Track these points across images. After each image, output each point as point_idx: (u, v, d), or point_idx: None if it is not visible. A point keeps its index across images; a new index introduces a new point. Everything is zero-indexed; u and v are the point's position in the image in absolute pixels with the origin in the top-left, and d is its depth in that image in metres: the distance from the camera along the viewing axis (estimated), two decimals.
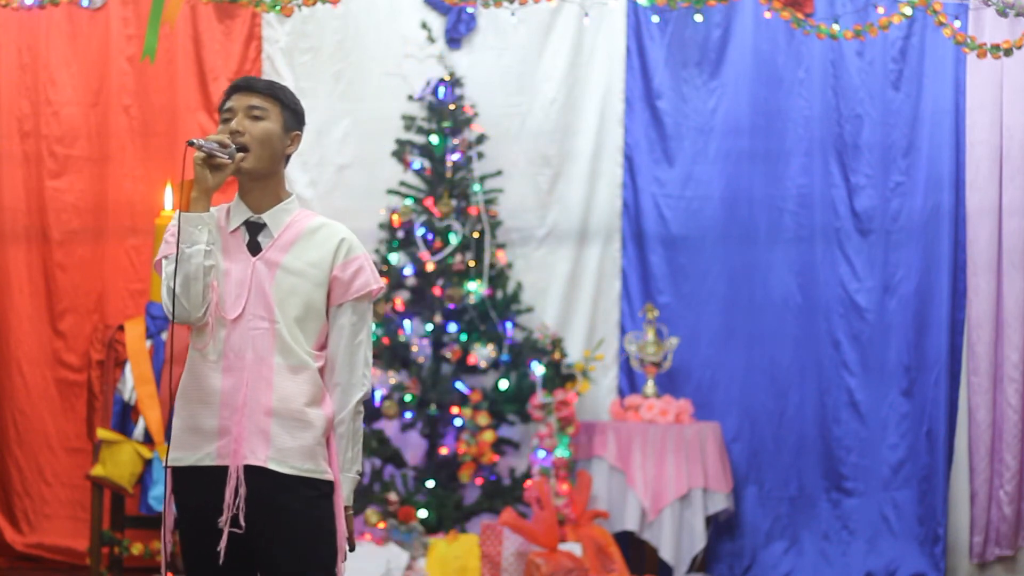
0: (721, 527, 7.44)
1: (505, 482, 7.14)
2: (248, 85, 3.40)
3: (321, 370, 3.34)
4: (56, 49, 7.44)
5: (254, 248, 3.35)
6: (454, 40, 7.61)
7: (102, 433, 6.37)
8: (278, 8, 6.06)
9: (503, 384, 7.14)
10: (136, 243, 7.43)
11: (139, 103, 7.49)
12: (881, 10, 6.59)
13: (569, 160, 7.65)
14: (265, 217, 3.36)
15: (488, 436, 7.04)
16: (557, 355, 7.13)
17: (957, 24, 6.20)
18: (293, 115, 3.41)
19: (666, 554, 7.05)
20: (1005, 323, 7.12)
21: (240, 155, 3.31)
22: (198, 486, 3.30)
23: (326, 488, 3.31)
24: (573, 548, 6.70)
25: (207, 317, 3.31)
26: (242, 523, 3.23)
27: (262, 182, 3.38)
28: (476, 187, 7.28)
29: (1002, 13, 5.97)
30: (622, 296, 7.66)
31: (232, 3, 6.28)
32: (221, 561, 3.25)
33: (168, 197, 6.77)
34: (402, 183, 7.33)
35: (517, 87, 7.64)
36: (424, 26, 7.52)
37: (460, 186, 7.27)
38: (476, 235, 7.22)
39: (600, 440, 7.19)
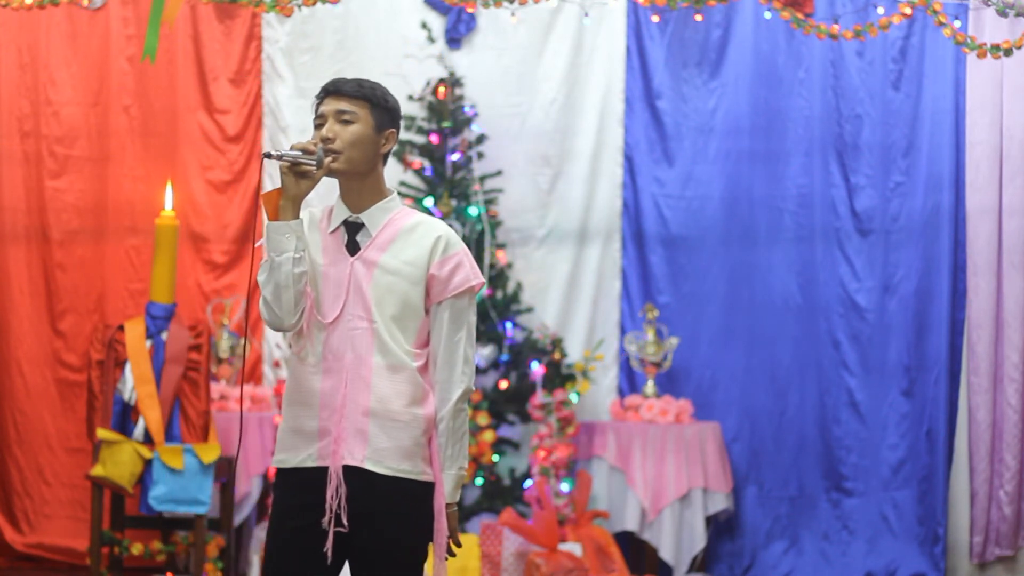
0: (721, 527, 7.44)
1: (505, 482, 7.14)
2: (336, 89, 3.40)
3: (423, 368, 3.36)
4: (56, 49, 7.43)
5: (352, 248, 3.36)
6: (454, 40, 7.62)
7: (102, 433, 6.37)
8: (278, 8, 6.06)
9: (503, 384, 7.14)
10: (136, 243, 7.43)
11: (139, 103, 7.49)
12: (881, 10, 6.59)
13: (569, 160, 7.65)
14: (363, 217, 3.37)
15: (488, 436, 7.04)
16: (557, 355, 7.13)
17: (957, 24, 6.20)
18: (385, 113, 3.40)
19: (666, 554, 7.05)
20: (1005, 323, 7.12)
21: (328, 159, 3.31)
22: (299, 487, 3.33)
23: (423, 489, 3.32)
24: (573, 548, 6.70)
25: (301, 323, 3.34)
26: (345, 522, 3.26)
27: (358, 183, 3.38)
28: (476, 187, 7.28)
29: (1002, 13, 5.97)
30: (622, 296, 7.66)
31: (232, 3, 6.28)
32: (329, 561, 3.27)
33: (168, 197, 6.77)
34: (402, 183, 7.33)
35: (517, 87, 7.64)
36: (424, 26, 7.52)
37: (460, 186, 7.27)
38: (476, 236, 7.22)
39: (600, 440, 7.19)
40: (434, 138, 7.30)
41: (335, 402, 3.31)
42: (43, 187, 7.44)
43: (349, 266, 3.34)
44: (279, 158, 3.28)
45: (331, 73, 7.49)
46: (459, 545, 3.40)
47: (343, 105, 3.37)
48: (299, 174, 3.30)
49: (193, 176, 7.53)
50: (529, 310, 7.37)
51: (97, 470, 6.31)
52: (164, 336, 6.53)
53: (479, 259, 7.21)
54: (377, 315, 3.31)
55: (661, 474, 7.08)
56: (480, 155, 7.38)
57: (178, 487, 6.30)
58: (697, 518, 7.11)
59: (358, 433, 3.29)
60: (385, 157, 3.43)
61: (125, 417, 6.46)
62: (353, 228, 3.38)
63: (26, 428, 7.38)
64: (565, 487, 6.92)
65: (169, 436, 6.40)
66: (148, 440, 6.36)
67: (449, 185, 7.26)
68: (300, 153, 3.28)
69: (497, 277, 7.27)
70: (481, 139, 7.39)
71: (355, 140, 3.34)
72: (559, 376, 7.11)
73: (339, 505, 3.27)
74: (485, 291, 7.17)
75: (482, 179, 7.34)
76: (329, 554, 3.27)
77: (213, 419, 6.60)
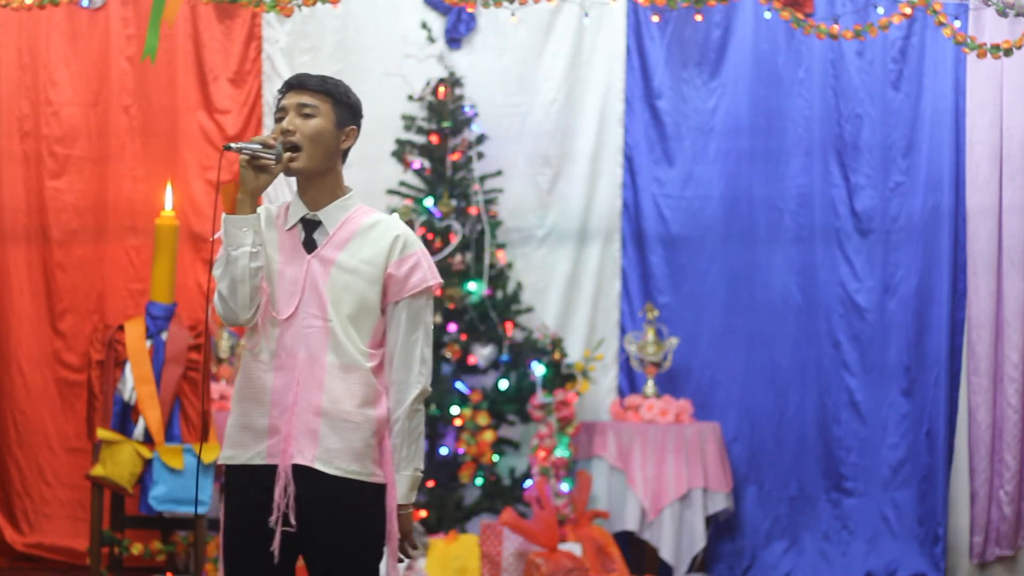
0: (721, 527, 7.44)
1: (505, 482, 7.14)
2: (300, 83, 3.39)
3: (377, 368, 3.33)
4: (56, 49, 7.43)
5: (310, 246, 3.34)
6: (454, 40, 7.62)
7: (102, 433, 6.37)
8: (278, 8, 6.06)
9: (503, 384, 7.14)
10: (136, 243, 7.43)
11: (139, 103, 7.49)
12: (881, 10, 6.59)
13: (569, 160, 7.65)
14: (320, 214, 3.35)
15: (488, 436, 7.04)
16: (557, 355, 7.13)
17: (957, 24, 6.20)
18: (347, 109, 3.40)
19: (666, 554, 7.05)
20: (1005, 323, 7.12)
21: (288, 155, 3.29)
22: (248, 484, 3.31)
23: (373, 491, 3.30)
24: (573, 548, 6.70)
25: (256, 318, 3.31)
26: (293, 521, 3.24)
27: (317, 179, 3.35)
28: (476, 187, 7.28)
29: (1002, 13, 5.97)
30: (622, 296, 7.66)
31: (232, 3, 6.28)
32: (276, 560, 3.25)
33: (168, 197, 6.77)
34: (402, 183, 7.33)
35: (517, 87, 7.64)
36: (424, 26, 7.52)
37: (460, 186, 7.27)
38: (476, 236, 7.22)
39: (600, 440, 7.19)
40: (434, 138, 7.30)
41: (286, 400, 3.27)
42: (43, 187, 7.44)
43: (306, 263, 3.31)
44: (239, 151, 3.25)
45: (331, 73, 7.47)
46: (415, 547, 3.37)
47: (305, 99, 3.36)
48: (258, 168, 3.27)
49: (193, 176, 7.53)
50: (529, 310, 7.37)
51: (97, 470, 6.31)
52: (164, 336, 6.53)
53: (479, 259, 7.21)
54: (332, 314, 3.28)
55: (661, 474, 7.08)
56: (480, 155, 7.38)
57: (178, 487, 6.30)
58: (697, 518, 7.11)
59: (309, 432, 3.26)
60: (344, 154, 3.41)
61: (125, 417, 6.46)
62: (310, 226, 3.35)
63: (26, 428, 7.38)
64: (565, 487, 6.92)
65: (169, 436, 6.40)
66: (148, 440, 6.36)
67: (449, 185, 7.26)
68: (260, 146, 3.26)
69: (497, 277, 7.27)
70: (481, 139, 7.39)
71: (315, 134, 3.32)
72: (559, 376, 7.11)
73: (287, 504, 3.24)
74: (485, 291, 7.17)
75: (482, 179, 7.34)
76: (276, 553, 3.24)
77: (213, 419, 6.60)
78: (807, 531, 7.42)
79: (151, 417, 6.34)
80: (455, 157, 7.28)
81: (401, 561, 3.36)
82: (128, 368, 6.46)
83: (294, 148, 3.31)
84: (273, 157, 3.26)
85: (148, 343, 6.51)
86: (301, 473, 3.25)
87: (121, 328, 6.57)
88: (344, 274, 3.30)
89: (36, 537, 7.34)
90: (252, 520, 3.28)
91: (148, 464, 6.33)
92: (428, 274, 3.34)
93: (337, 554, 3.27)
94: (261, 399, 3.30)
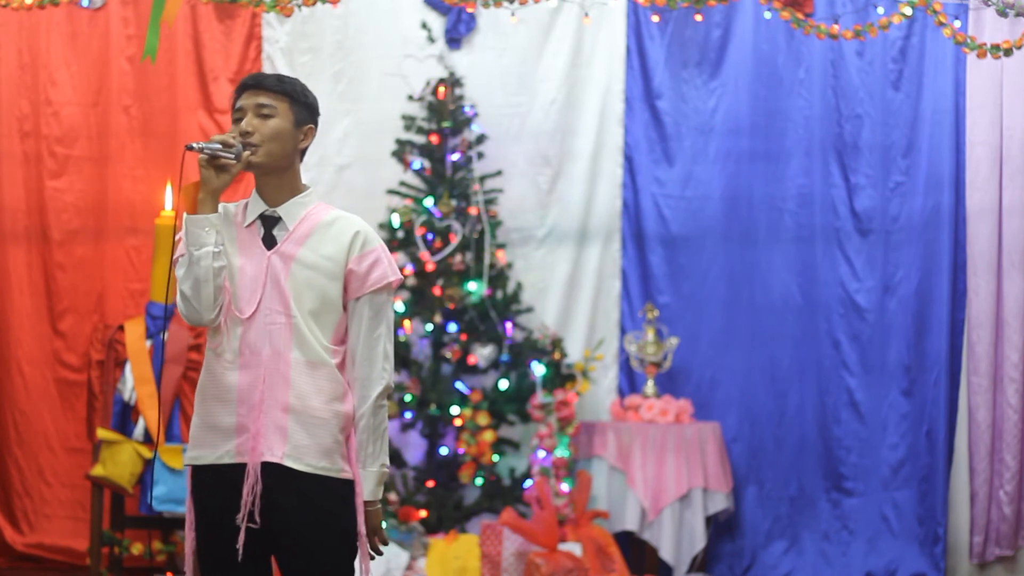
0: (721, 527, 7.44)
1: (505, 482, 7.14)
2: (257, 83, 3.38)
3: (341, 365, 3.33)
4: (56, 49, 7.43)
5: (269, 242, 3.34)
6: (454, 40, 7.61)
7: (102, 433, 6.37)
8: (278, 8, 6.06)
9: (503, 384, 7.14)
10: (136, 243, 7.43)
11: (139, 103, 7.49)
12: (881, 10, 6.59)
13: (569, 160, 7.65)
14: (280, 211, 3.36)
15: (488, 436, 7.04)
16: (557, 355, 7.13)
17: (957, 24, 6.20)
18: (305, 109, 3.39)
19: (666, 554, 7.05)
20: (1005, 323, 7.12)
21: (247, 153, 3.30)
22: (217, 484, 3.30)
23: (342, 487, 3.30)
24: (573, 548, 6.70)
25: (220, 318, 3.31)
26: (257, 519, 3.23)
27: (276, 177, 3.36)
28: (476, 187, 7.28)
29: (1002, 13, 5.97)
30: (622, 296, 7.66)
31: (232, 3, 6.28)
32: (240, 558, 3.24)
33: (168, 197, 6.77)
34: (402, 183, 7.33)
35: (517, 87, 7.64)
36: (424, 26, 7.52)
37: (460, 186, 7.27)
38: (476, 236, 7.22)
39: (600, 440, 7.19)
40: (434, 138, 7.30)
41: (253, 398, 3.27)
42: (43, 187, 7.43)
43: (266, 260, 3.32)
44: (200, 151, 3.26)
45: (331, 73, 7.52)
46: (385, 543, 3.37)
47: (263, 99, 3.35)
48: (218, 167, 3.28)
49: (193, 176, 7.48)
50: (529, 310, 7.37)
51: (97, 470, 6.31)
52: (164, 336, 6.53)
53: (479, 259, 7.21)
54: (296, 310, 3.28)
55: (661, 474, 7.08)
56: (480, 155, 7.38)
57: (178, 487, 6.30)
58: (697, 518, 7.11)
59: (277, 430, 3.26)
60: (303, 153, 3.42)
61: (125, 417, 6.47)
62: (270, 222, 3.36)
63: (26, 428, 7.38)
64: (565, 487, 6.92)
65: (169, 436, 6.41)
66: (148, 440, 6.37)
67: (449, 185, 7.26)
68: (220, 146, 3.27)
69: (497, 277, 7.26)
70: (481, 139, 7.39)
71: (274, 134, 3.33)
72: (559, 376, 7.11)
73: (253, 502, 3.24)
74: (485, 291, 7.17)
75: (482, 179, 7.34)
76: (240, 550, 3.24)
77: None
78: (807, 531, 7.42)
79: (151, 417, 6.35)
80: (456, 156, 7.28)
81: (372, 558, 3.36)
82: (128, 368, 6.46)
83: (253, 148, 3.32)
84: (233, 156, 3.27)
85: (148, 343, 6.52)
86: (271, 470, 3.25)
87: (121, 328, 6.58)
88: (305, 270, 3.30)
89: (36, 537, 7.34)
90: (224, 520, 3.27)
91: (148, 464, 6.33)
92: (388, 270, 3.34)
93: (308, 551, 3.27)
94: (226, 398, 3.29)
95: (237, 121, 3.36)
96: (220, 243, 3.28)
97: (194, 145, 3.27)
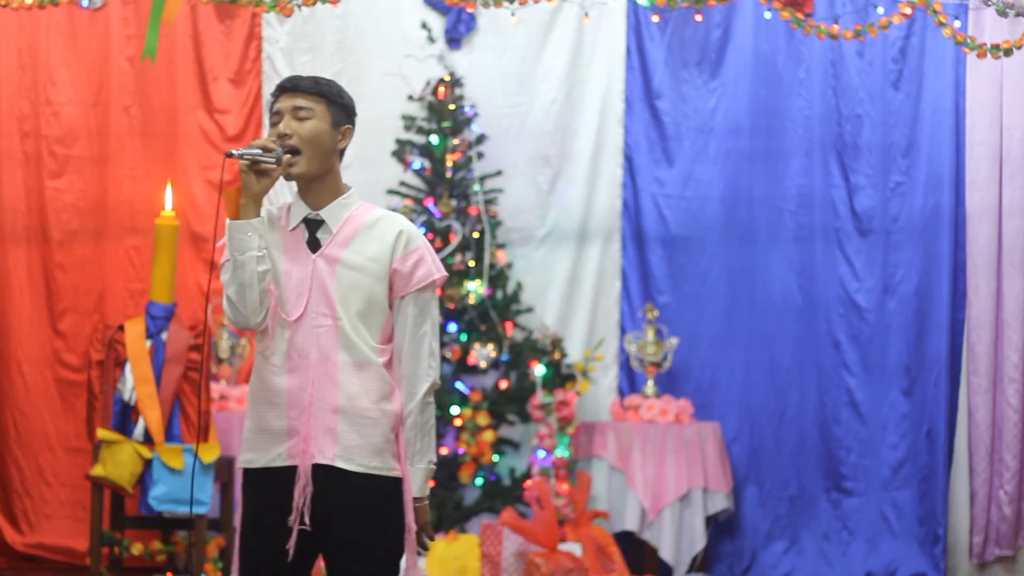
0: (721, 527, 7.44)
1: (505, 482, 7.14)
2: (293, 85, 3.41)
3: (388, 364, 3.35)
4: (56, 49, 7.43)
5: (313, 245, 3.35)
6: (454, 40, 7.62)
7: (102, 433, 6.37)
8: (278, 8, 6.06)
9: (503, 384, 7.14)
10: (136, 243, 7.43)
11: (139, 103, 7.49)
12: (881, 10, 6.59)
13: (569, 160, 7.65)
14: (323, 214, 3.37)
15: (488, 436, 7.04)
16: (557, 355, 7.13)
17: (957, 24, 6.20)
18: (342, 110, 3.42)
19: (666, 554, 7.05)
20: (1005, 323, 7.13)
21: (288, 157, 3.31)
22: (268, 486, 3.32)
23: (393, 485, 3.33)
24: (573, 548, 6.70)
25: (266, 321, 3.33)
26: (307, 521, 3.26)
27: (317, 180, 3.38)
28: (476, 187, 7.28)
29: (1002, 13, 5.97)
30: (622, 296, 7.66)
31: (232, 3, 6.28)
32: (290, 558, 3.27)
33: (168, 197, 6.77)
34: (402, 183, 7.33)
35: (517, 87, 7.64)
36: (424, 26, 7.52)
37: (460, 186, 7.27)
38: (476, 235, 7.22)
39: (600, 440, 7.19)
40: (434, 138, 7.30)
41: (302, 401, 3.29)
42: (43, 187, 7.44)
43: (311, 263, 3.33)
44: (240, 157, 3.28)
45: (331, 73, 7.47)
46: (431, 539, 3.40)
47: (299, 101, 3.39)
48: (259, 172, 3.30)
49: (193, 176, 7.53)
50: (529, 310, 7.37)
51: (97, 470, 6.31)
52: (164, 336, 6.53)
53: (479, 259, 7.21)
54: (341, 312, 3.30)
55: (661, 474, 7.08)
56: (480, 155, 7.38)
57: (178, 487, 6.29)
58: (697, 518, 7.11)
59: (327, 431, 3.28)
60: (341, 153, 3.43)
61: (125, 417, 6.46)
62: (313, 225, 3.37)
63: (26, 428, 7.38)
64: (565, 487, 6.92)
65: (169, 436, 6.40)
66: (148, 440, 6.36)
67: (449, 185, 7.26)
68: (260, 151, 3.28)
69: (497, 277, 7.26)
70: (481, 139, 7.39)
71: (312, 136, 3.35)
72: (559, 376, 7.11)
73: (304, 504, 3.26)
74: (485, 291, 7.17)
75: (482, 179, 7.34)
76: (291, 552, 3.26)
77: (213, 419, 6.60)
78: (807, 531, 7.42)
79: (151, 417, 6.34)
80: (456, 156, 7.28)
81: (420, 554, 3.38)
82: (128, 368, 6.46)
83: (293, 151, 3.33)
84: (273, 161, 3.28)
85: (148, 343, 6.51)
86: (323, 472, 3.28)
87: (121, 328, 6.57)
88: (350, 272, 3.32)
89: (36, 537, 7.34)
90: (272, 521, 3.29)
91: (148, 464, 6.33)
92: (433, 268, 3.36)
93: (357, 549, 3.29)
94: (276, 401, 3.32)
95: (275, 124, 3.38)
96: (263, 247, 3.30)
97: (234, 152, 3.30)
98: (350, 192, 3.41)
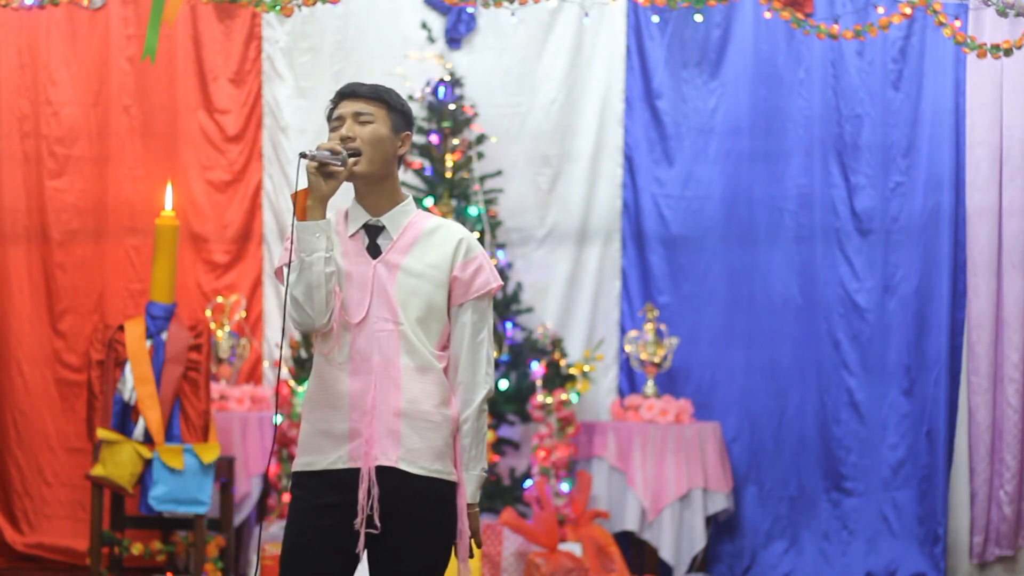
0: (721, 527, 7.44)
1: (505, 482, 7.14)
2: (353, 91, 3.42)
3: (446, 370, 3.38)
4: (56, 49, 7.44)
5: (374, 251, 3.38)
6: (454, 40, 7.62)
7: (102, 433, 6.37)
8: (278, 8, 6.06)
9: (503, 384, 7.14)
10: (136, 243, 7.43)
11: (139, 103, 7.49)
12: (881, 10, 6.59)
13: (569, 160, 7.65)
14: (384, 220, 3.40)
15: (488, 436, 7.04)
16: (557, 355, 7.13)
17: (957, 24, 6.19)
18: (401, 116, 3.45)
19: (666, 554, 7.05)
20: (1005, 323, 7.12)
21: (352, 160, 3.33)
22: (325, 490, 3.32)
23: (451, 489, 3.35)
24: (573, 548, 6.70)
25: (332, 323, 3.34)
26: (377, 523, 3.28)
27: (377, 185, 3.41)
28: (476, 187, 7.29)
29: (1002, 13, 5.97)
30: (622, 296, 7.66)
31: (232, 3, 6.28)
32: (365, 558, 3.29)
33: (168, 197, 6.77)
34: (402, 183, 7.30)
35: (517, 87, 7.64)
36: (424, 26, 7.52)
37: (460, 186, 7.27)
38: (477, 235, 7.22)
39: (600, 440, 7.19)
40: (434, 138, 7.30)
41: (365, 403, 3.31)
42: (43, 187, 7.44)
43: (372, 269, 3.36)
44: (312, 158, 3.30)
45: (331, 73, 7.51)
46: (480, 545, 3.42)
47: (360, 107, 3.40)
48: (326, 174, 3.32)
49: (193, 176, 7.53)
50: (529, 310, 7.37)
51: (97, 470, 6.31)
52: (164, 336, 6.53)
53: None
54: (403, 317, 3.33)
55: (661, 474, 7.08)
56: (480, 155, 7.38)
57: (178, 487, 6.30)
58: (697, 518, 7.11)
59: (390, 434, 3.31)
60: (401, 160, 3.47)
61: (125, 417, 6.46)
62: (373, 231, 3.40)
63: (26, 428, 7.38)
64: (565, 487, 6.92)
65: (169, 436, 6.41)
66: (148, 440, 6.36)
67: (449, 185, 7.26)
68: (329, 153, 3.30)
69: None
70: (481, 139, 7.39)
71: (374, 140, 3.37)
72: (559, 376, 7.11)
73: (371, 506, 3.28)
74: None
75: (482, 179, 7.34)
76: (363, 555, 3.29)
77: (213, 419, 6.60)
78: (807, 531, 7.42)
79: (151, 417, 6.34)
80: (456, 156, 7.28)
81: (470, 558, 3.39)
82: (128, 368, 6.46)
83: (355, 154, 3.36)
84: (340, 163, 3.31)
85: (148, 343, 6.51)
86: (385, 474, 3.30)
87: (121, 328, 6.57)
88: (410, 278, 3.35)
89: (36, 537, 7.34)
90: (329, 521, 3.30)
91: (148, 464, 6.33)
92: (491, 276, 3.41)
93: (409, 552, 3.31)
94: (338, 404, 3.34)
95: (335, 129, 3.39)
96: (330, 248, 3.32)
97: (306, 153, 3.31)
98: (408, 199, 3.46)
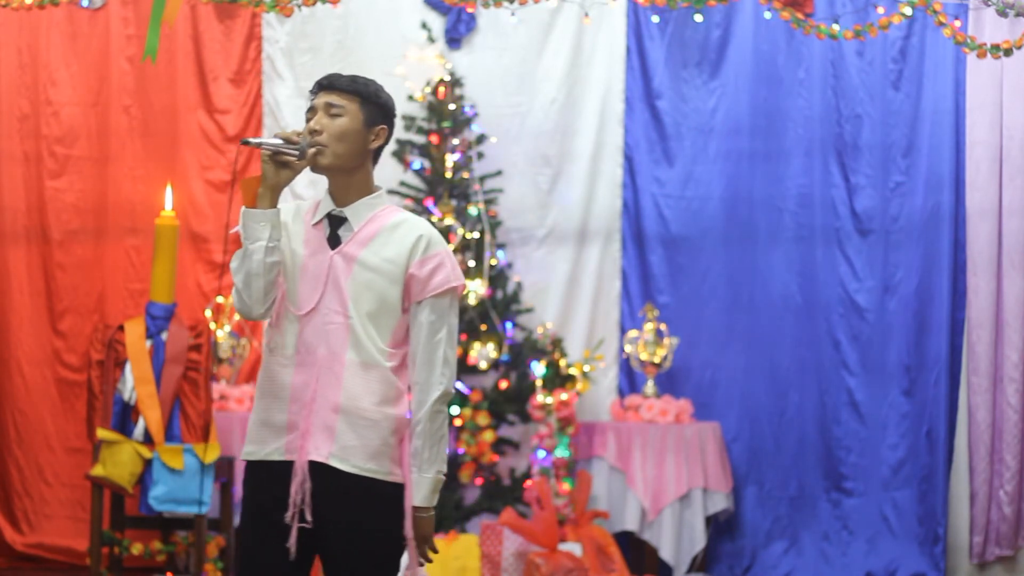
0: (721, 527, 7.44)
1: (505, 482, 7.14)
2: (331, 83, 3.41)
3: (398, 368, 3.33)
4: (56, 49, 7.43)
5: (334, 241, 3.35)
6: (454, 40, 7.62)
7: (102, 433, 6.37)
8: (278, 8, 6.06)
9: (503, 384, 7.14)
10: (136, 243, 7.43)
11: (139, 103, 7.49)
12: (881, 10, 6.59)
13: (569, 160, 7.65)
14: (347, 211, 3.36)
15: (488, 436, 7.04)
16: (557, 355, 7.13)
17: (957, 24, 6.19)
18: (377, 109, 3.41)
19: (666, 554, 7.05)
20: (1005, 323, 7.12)
21: (312, 151, 3.30)
22: (266, 481, 3.31)
23: (390, 490, 3.29)
24: (573, 548, 6.70)
25: (270, 313, 3.33)
26: (308, 518, 3.24)
27: (345, 177, 3.36)
28: (476, 187, 7.29)
29: (1002, 13, 5.97)
30: (622, 296, 7.66)
31: (232, 3, 6.28)
32: (292, 556, 3.25)
33: (168, 197, 6.77)
34: (402, 183, 7.33)
35: (517, 87, 7.64)
36: (424, 26, 7.52)
37: (460, 186, 7.27)
38: (477, 236, 7.22)
39: (600, 440, 7.19)
40: (434, 138, 7.30)
41: (305, 396, 3.28)
42: (43, 187, 7.43)
43: (328, 259, 3.32)
44: (258, 146, 3.27)
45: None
46: (435, 551, 3.34)
47: (334, 99, 3.37)
48: (279, 163, 3.28)
49: (193, 176, 7.53)
50: (529, 310, 7.37)
51: (97, 470, 6.31)
52: (164, 336, 6.53)
53: (479, 259, 7.21)
54: (353, 310, 3.28)
55: (661, 474, 7.08)
56: (480, 155, 7.38)
57: (178, 487, 6.29)
58: (697, 518, 7.11)
59: (326, 429, 3.26)
60: (376, 153, 3.42)
61: (125, 417, 6.46)
62: (336, 222, 3.36)
63: (26, 428, 7.38)
64: (565, 487, 6.92)
65: (169, 436, 6.40)
66: (148, 440, 6.36)
67: (449, 185, 7.26)
68: (281, 142, 3.27)
69: (497, 277, 7.26)
70: (481, 139, 7.39)
71: (342, 133, 3.33)
72: (559, 376, 7.11)
73: (303, 501, 3.25)
74: (485, 291, 7.17)
75: (482, 179, 7.34)
76: (293, 550, 3.25)
77: (213, 419, 6.60)
78: (807, 531, 7.42)
79: (151, 417, 6.34)
80: (456, 156, 7.28)
81: (421, 564, 3.33)
82: (128, 368, 6.46)
83: (319, 146, 3.32)
84: (296, 153, 3.28)
85: (148, 343, 6.51)
86: (318, 470, 3.26)
87: (121, 328, 6.57)
88: (366, 271, 3.31)
89: (36, 537, 7.34)
90: (268, 516, 3.28)
91: (148, 464, 6.33)
92: (452, 275, 3.33)
93: (353, 553, 3.27)
94: (280, 395, 3.31)
95: (309, 120, 3.37)
96: (275, 238, 3.28)
97: (251, 140, 3.28)
98: (379, 193, 3.41)
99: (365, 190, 3.39)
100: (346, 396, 3.27)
